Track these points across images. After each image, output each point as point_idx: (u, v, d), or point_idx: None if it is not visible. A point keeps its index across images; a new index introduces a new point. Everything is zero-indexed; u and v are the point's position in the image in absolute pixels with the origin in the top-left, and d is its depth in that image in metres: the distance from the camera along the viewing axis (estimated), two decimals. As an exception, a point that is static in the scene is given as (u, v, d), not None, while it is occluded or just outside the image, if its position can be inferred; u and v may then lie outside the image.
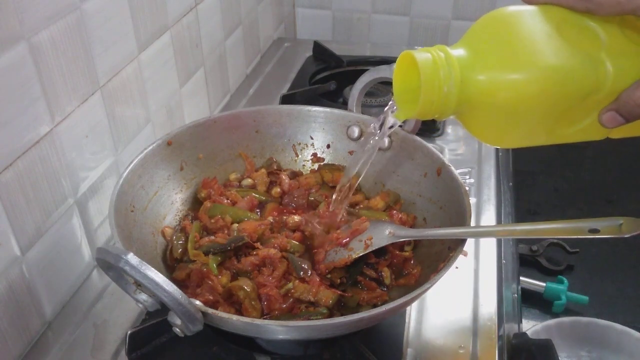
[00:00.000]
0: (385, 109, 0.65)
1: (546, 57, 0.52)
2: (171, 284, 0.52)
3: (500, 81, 0.52)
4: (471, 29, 0.56)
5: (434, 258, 0.70)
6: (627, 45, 0.53)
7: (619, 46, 0.53)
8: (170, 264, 0.72)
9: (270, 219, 0.76)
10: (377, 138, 0.67)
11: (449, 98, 0.54)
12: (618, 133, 0.58)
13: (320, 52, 1.37)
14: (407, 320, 0.73)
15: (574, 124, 0.56)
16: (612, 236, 0.56)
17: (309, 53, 1.40)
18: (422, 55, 0.54)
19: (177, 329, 0.56)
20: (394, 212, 0.77)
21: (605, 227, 0.57)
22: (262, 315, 0.65)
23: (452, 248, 0.65)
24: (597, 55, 0.52)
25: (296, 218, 0.75)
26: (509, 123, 0.55)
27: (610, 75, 0.52)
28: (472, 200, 0.93)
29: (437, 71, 0.53)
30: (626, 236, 0.56)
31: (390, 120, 0.65)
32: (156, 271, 0.52)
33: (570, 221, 0.60)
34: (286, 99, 1.15)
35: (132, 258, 0.52)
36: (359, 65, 1.32)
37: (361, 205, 0.80)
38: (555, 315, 1.33)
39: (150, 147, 0.75)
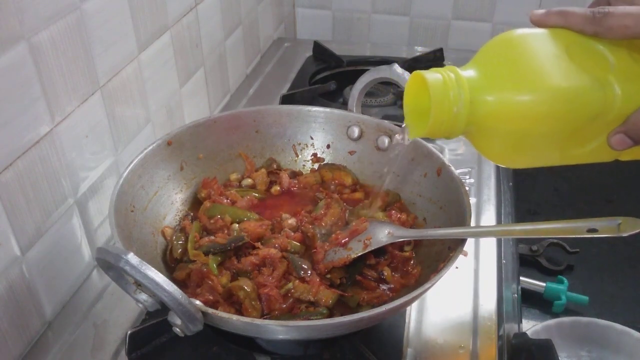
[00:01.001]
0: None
1: (554, 79, 0.52)
2: (171, 283, 0.53)
3: (509, 102, 0.53)
4: (481, 50, 0.57)
5: (434, 258, 0.70)
6: (635, 69, 0.54)
7: (627, 69, 0.53)
8: (170, 264, 0.72)
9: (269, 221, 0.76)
10: (403, 147, 0.69)
11: (458, 118, 0.54)
12: (627, 155, 0.58)
13: (320, 52, 1.37)
14: (407, 320, 0.73)
15: (582, 145, 0.56)
16: (610, 235, 0.57)
17: (309, 53, 1.40)
18: (433, 75, 0.55)
19: (177, 329, 0.56)
20: (394, 212, 0.77)
21: (604, 227, 0.57)
22: (262, 315, 0.65)
23: (452, 248, 0.65)
24: (605, 78, 0.53)
25: (291, 221, 0.75)
26: (517, 144, 0.56)
27: (618, 97, 0.53)
28: (472, 200, 0.93)
29: (447, 92, 0.54)
30: (624, 235, 0.56)
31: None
32: (156, 271, 0.52)
33: (569, 221, 0.60)
34: (286, 99, 1.15)
35: (132, 258, 0.52)
36: (359, 65, 1.32)
37: (361, 204, 0.80)
38: (555, 315, 1.33)
39: (150, 147, 0.75)
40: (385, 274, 0.71)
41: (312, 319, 0.62)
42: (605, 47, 0.54)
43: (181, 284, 0.68)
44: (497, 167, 1.02)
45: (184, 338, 0.57)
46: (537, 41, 0.54)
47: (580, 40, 0.54)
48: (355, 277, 0.70)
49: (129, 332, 0.67)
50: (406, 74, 0.78)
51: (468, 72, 0.55)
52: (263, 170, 0.85)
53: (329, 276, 0.69)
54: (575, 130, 0.54)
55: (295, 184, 0.84)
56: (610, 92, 0.53)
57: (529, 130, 0.54)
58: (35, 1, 0.64)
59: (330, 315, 0.65)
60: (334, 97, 1.22)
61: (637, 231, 0.56)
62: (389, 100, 1.18)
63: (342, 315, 0.64)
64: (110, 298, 0.78)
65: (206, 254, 0.69)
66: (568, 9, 0.55)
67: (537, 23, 0.56)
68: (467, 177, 0.99)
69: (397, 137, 0.68)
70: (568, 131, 0.54)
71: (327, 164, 0.87)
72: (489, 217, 0.91)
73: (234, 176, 0.84)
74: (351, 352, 0.65)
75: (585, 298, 1.34)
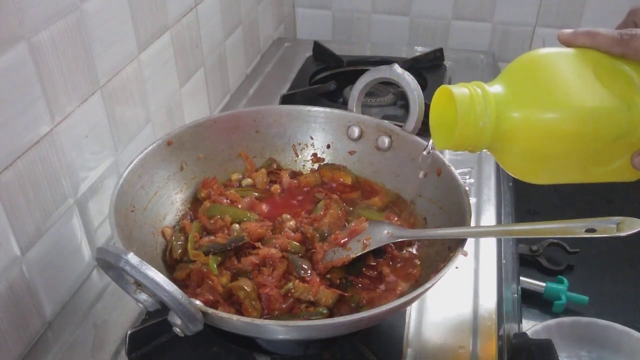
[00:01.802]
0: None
1: (581, 98, 0.53)
2: (171, 283, 0.53)
3: (534, 119, 0.54)
4: (508, 67, 0.58)
5: (434, 258, 0.70)
6: None
7: None
8: (170, 264, 0.72)
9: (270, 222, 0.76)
10: (428, 160, 0.73)
11: (483, 133, 0.55)
12: None
13: (320, 52, 1.37)
14: (407, 320, 0.73)
15: (606, 164, 0.57)
16: (608, 235, 0.57)
17: (309, 53, 1.40)
18: (460, 90, 0.55)
19: (177, 329, 0.56)
20: (393, 212, 0.77)
21: (602, 227, 0.57)
22: (262, 315, 0.65)
23: (452, 248, 0.65)
24: (630, 99, 0.53)
25: (291, 223, 0.75)
26: (541, 161, 0.56)
27: None
28: (472, 200, 0.93)
29: (473, 106, 0.54)
30: (623, 235, 0.56)
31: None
32: (156, 271, 0.52)
33: (568, 221, 0.61)
34: (286, 99, 1.15)
35: (132, 258, 0.52)
36: (359, 65, 1.32)
37: (363, 206, 0.80)
38: (555, 315, 1.33)
39: (150, 147, 0.75)
40: (385, 274, 0.71)
41: (312, 319, 0.62)
42: (632, 68, 0.55)
43: (181, 284, 0.68)
44: (497, 167, 1.02)
45: (184, 338, 0.57)
46: (564, 60, 0.55)
47: (607, 61, 0.55)
48: (355, 278, 0.70)
49: (129, 332, 0.67)
50: (406, 74, 0.78)
51: (494, 88, 0.56)
52: (263, 170, 0.85)
53: (329, 276, 0.69)
54: (599, 150, 0.55)
55: (295, 184, 0.84)
56: (635, 112, 0.53)
57: (553, 148, 0.54)
58: (35, 1, 0.64)
59: (331, 315, 0.65)
60: (334, 97, 1.22)
61: (636, 231, 0.56)
62: (389, 100, 1.18)
63: (342, 315, 0.64)
64: (110, 298, 0.78)
65: (206, 254, 0.69)
66: (596, 29, 0.56)
67: (565, 42, 0.58)
68: (467, 177, 0.99)
69: (424, 152, 0.71)
70: (592, 150, 0.55)
71: (327, 164, 0.87)
72: (489, 217, 0.91)
73: (235, 176, 0.84)
74: (351, 352, 0.65)
75: (585, 298, 1.34)
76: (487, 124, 0.55)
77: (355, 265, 0.70)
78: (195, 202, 0.80)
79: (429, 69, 1.30)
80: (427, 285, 0.59)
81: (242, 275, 0.68)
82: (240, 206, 0.78)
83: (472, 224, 0.69)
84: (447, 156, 1.03)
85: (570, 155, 0.55)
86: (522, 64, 0.57)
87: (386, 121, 0.84)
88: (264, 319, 0.64)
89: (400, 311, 0.73)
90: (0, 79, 0.61)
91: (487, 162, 1.03)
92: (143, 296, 0.58)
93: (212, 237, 0.71)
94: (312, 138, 0.87)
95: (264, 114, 0.86)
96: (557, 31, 0.59)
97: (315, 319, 0.62)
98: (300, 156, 0.88)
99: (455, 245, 0.64)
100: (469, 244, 0.74)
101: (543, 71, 0.55)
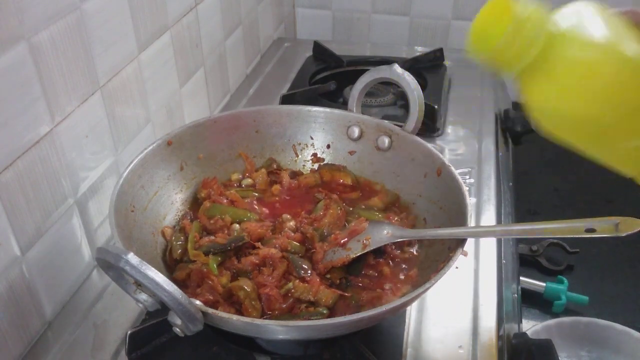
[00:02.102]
0: None
1: (629, 50, 0.53)
2: (171, 283, 0.53)
3: (585, 56, 0.53)
4: (566, 9, 0.57)
5: (434, 258, 0.70)
6: None
7: None
8: (170, 264, 0.72)
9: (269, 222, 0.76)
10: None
11: (527, 51, 0.54)
12: None
13: (320, 52, 1.37)
14: (407, 320, 0.73)
15: (629, 137, 0.56)
16: (608, 235, 0.57)
17: (309, 53, 1.40)
18: (519, 2, 0.55)
19: (177, 329, 0.56)
20: (393, 212, 0.77)
21: (602, 227, 0.57)
22: (262, 315, 0.65)
23: (452, 248, 0.65)
24: None
25: (291, 223, 0.75)
26: (569, 100, 0.56)
27: None
28: (472, 200, 0.93)
29: (529, 21, 0.54)
30: (622, 235, 0.56)
31: None
32: (156, 271, 0.52)
33: (568, 221, 0.61)
34: (286, 99, 1.15)
35: (132, 258, 0.52)
36: (359, 65, 1.32)
37: (363, 206, 0.80)
38: (555, 315, 1.33)
39: (150, 147, 0.75)
40: (385, 274, 0.71)
41: (312, 319, 0.62)
42: None
43: (181, 284, 0.68)
44: (497, 167, 1.02)
45: (184, 338, 0.57)
46: (618, 18, 0.56)
47: None
48: (355, 278, 0.70)
49: (129, 332, 0.67)
50: (406, 74, 0.78)
51: (552, 16, 0.55)
52: (263, 170, 0.85)
53: (329, 276, 0.69)
54: (627, 115, 0.54)
55: (296, 184, 0.84)
56: None
57: (585, 90, 0.54)
58: (35, 1, 0.64)
59: (331, 315, 0.65)
60: (334, 97, 1.22)
61: (636, 231, 0.56)
62: (389, 100, 1.18)
63: (342, 315, 0.64)
64: (110, 298, 0.78)
65: (206, 254, 0.69)
66: (638, 8, 0.56)
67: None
68: (467, 177, 0.99)
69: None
70: (625, 110, 0.54)
71: (327, 164, 0.87)
72: (489, 217, 0.91)
73: (235, 176, 0.84)
74: (351, 352, 0.65)
75: (585, 298, 1.34)
76: (536, 42, 0.54)
77: (355, 265, 0.70)
78: (195, 202, 0.80)
79: (429, 69, 1.30)
80: (427, 285, 0.59)
81: (242, 275, 0.68)
82: (240, 206, 0.78)
83: (472, 224, 0.69)
84: (447, 156, 1.03)
85: (601, 108, 0.55)
86: (578, 7, 0.56)
87: (386, 121, 0.84)
88: (264, 319, 0.64)
89: (400, 311, 0.73)
90: (0, 79, 0.61)
91: (487, 162, 1.03)
92: (143, 296, 0.58)
93: (212, 237, 0.71)
94: (312, 138, 0.87)
95: (264, 114, 0.86)
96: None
97: (315, 319, 0.62)
98: (300, 156, 0.88)
99: (455, 245, 0.64)
100: (469, 244, 0.74)
101: (604, 20, 0.55)
